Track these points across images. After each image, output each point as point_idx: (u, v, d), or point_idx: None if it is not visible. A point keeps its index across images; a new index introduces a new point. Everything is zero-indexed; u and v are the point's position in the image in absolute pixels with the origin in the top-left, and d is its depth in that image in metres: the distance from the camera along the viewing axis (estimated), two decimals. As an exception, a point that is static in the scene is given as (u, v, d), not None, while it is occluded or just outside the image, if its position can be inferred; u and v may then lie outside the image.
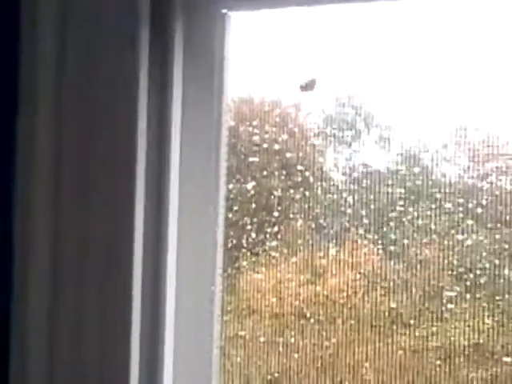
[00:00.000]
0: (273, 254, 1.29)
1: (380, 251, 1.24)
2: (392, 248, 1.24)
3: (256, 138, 1.29)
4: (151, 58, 1.20)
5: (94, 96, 1.19)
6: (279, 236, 1.29)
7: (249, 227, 1.29)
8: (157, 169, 1.21)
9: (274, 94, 1.30)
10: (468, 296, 1.19)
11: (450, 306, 1.19)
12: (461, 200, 1.19)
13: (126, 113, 1.18)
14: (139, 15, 1.18)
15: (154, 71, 1.20)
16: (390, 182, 1.23)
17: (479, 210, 1.18)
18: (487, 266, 1.18)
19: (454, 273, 1.20)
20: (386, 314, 1.23)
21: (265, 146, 1.29)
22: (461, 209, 1.19)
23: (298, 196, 1.27)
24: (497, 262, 1.17)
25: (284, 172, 1.29)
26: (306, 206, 1.27)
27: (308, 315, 1.26)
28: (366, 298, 1.25)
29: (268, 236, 1.29)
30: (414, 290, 1.22)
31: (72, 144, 1.20)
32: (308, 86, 1.25)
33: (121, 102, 1.17)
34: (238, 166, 1.29)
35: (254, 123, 1.29)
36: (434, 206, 1.20)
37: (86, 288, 1.18)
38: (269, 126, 1.29)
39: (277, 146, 1.29)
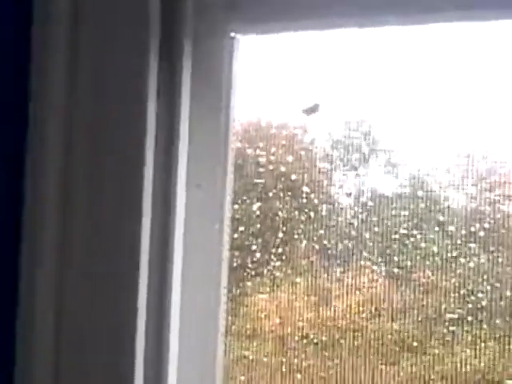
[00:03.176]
0: (277, 275, 1.30)
1: (384, 274, 1.25)
2: (396, 271, 1.24)
3: (262, 160, 1.30)
4: (159, 79, 1.21)
5: (103, 119, 1.21)
6: (284, 257, 1.30)
7: (253, 248, 1.30)
8: (163, 188, 1.22)
9: (281, 116, 1.32)
10: (470, 318, 1.19)
11: (451, 328, 1.20)
12: (465, 224, 1.20)
13: (134, 134, 1.19)
14: (149, 36, 1.20)
15: (163, 93, 1.22)
16: (395, 206, 1.24)
17: (482, 234, 1.19)
18: (488, 288, 1.19)
19: (457, 296, 1.20)
20: (390, 336, 1.23)
21: (270, 167, 1.30)
22: (464, 232, 1.20)
23: (303, 218, 1.29)
24: (498, 285, 1.18)
25: (289, 194, 1.30)
26: (311, 227, 1.28)
27: (311, 337, 1.27)
28: (369, 321, 1.25)
29: (273, 257, 1.30)
30: (417, 312, 1.22)
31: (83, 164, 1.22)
32: (311, 111, 1.27)
33: (129, 126, 1.19)
34: (244, 187, 1.30)
35: (260, 145, 1.31)
36: (438, 230, 1.21)
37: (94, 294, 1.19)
38: (275, 148, 1.31)
39: (283, 168, 1.30)
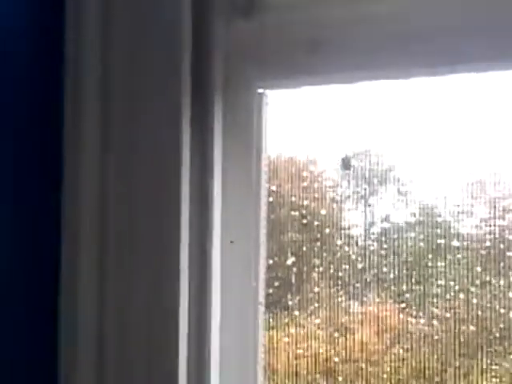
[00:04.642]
0: (294, 312, 1.30)
1: (401, 306, 1.26)
2: (412, 302, 1.25)
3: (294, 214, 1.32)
4: (192, 135, 1.22)
5: (138, 181, 1.21)
6: (299, 293, 1.30)
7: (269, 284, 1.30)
8: (199, 246, 1.22)
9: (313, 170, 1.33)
10: (487, 348, 1.19)
11: (468, 358, 1.20)
12: (480, 252, 1.20)
13: (169, 190, 1.20)
14: (181, 94, 1.21)
15: (195, 151, 1.23)
16: (408, 236, 1.25)
17: (498, 263, 1.19)
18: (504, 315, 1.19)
19: (475, 327, 1.20)
20: (409, 369, 1.24)
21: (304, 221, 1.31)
22: (479, 261, 1.21)
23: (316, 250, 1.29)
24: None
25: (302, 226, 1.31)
26: (326, 261, 1.29)
27: (332, 371, 1.27)
28: (388, 354, 1.26)
29: (288, 293, 1.30)
30: (433, 342, 1.22)
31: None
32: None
33: (164, 183, 1.20)
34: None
35: (293, 199, 1.32)
36: (453, 259, 1.22)
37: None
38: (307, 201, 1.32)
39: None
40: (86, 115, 1.23)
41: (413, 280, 1.25)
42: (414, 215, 1.27)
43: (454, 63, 1.17)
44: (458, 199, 1.23)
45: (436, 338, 1.23)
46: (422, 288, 1.24)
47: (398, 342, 1.26)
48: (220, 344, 1.24)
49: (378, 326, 1.27)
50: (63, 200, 1.23)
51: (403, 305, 1.26)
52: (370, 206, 1.30)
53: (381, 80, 1.24)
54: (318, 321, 1.30)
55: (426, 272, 1.24)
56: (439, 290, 1.23)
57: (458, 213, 1.23)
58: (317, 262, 1.30)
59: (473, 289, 1.21)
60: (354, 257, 1.28)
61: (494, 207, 1.22)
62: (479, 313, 1.21)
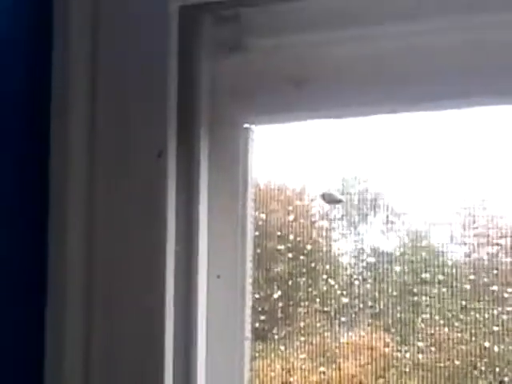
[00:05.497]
0: (282, 340, 1.30)
1: (391, 334, 1.26)
2: (403, 330, 1.25)
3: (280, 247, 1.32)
4: (178, 171, 1.22)
5: (122, 214, 1.22)
6: (287, 322, 1.30)
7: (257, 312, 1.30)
8: (185, 273, 1.23)
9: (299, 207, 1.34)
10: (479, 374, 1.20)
11: None
12: (470, 278, 1.21)
13: (154, 227, 1.20)
14: (166, 131, 1.21)
15: (181, 184, 1.23)
16: (397, 264, 1.26)
17: (483, 287, 1.20)
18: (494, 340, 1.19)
19: (467, 353, 1.21)
20: None
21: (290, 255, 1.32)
22: (469, 287, 1.21)
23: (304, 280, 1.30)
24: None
25: (290, 255, 1.31)
26: (314, 290, 1.29)
27: None
28: (376, 381, 1.25)
29: (277, 322, 1.30)
30: (424, 370, 1.23)
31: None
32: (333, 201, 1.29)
33: (150, 219, 1.20)
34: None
35: (278, 233, 1.32)
36: (442, 286, 1.23)
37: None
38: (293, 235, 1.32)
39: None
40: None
41: (399, 312, 1.25)
42: (403, 246, 1.27)
43: (436, 100, 1.18)
44: (447, 227, 1.23)
45: (421, 371, 1.23)
46: (410, 314, 1.25)
47: (384, 376, 1.27)
48: (206, 379, 1.24)
49: (365, 358, 1.28)
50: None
51: (392, 331, 1.26)
52: (358, 235, 1.31)
53: (367, 116, 1.25)
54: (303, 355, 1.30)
55: (414, 298, 1.24)
56: (428, 316, 1.24)
57: (447, 240, 1.23)
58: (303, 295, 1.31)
59: (462, 314, 1.22)
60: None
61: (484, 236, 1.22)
62: (470, 338, 1.21)
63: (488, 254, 1.21)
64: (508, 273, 1.20)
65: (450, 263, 1.24)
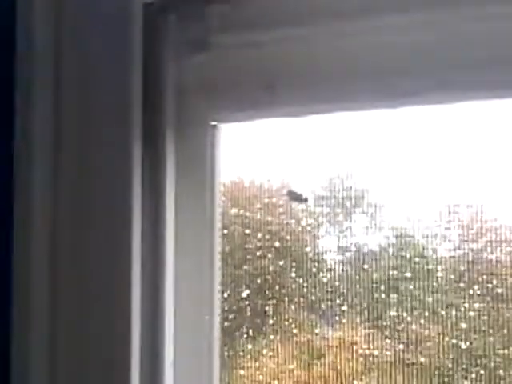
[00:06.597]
0: (269, 336, 1.29)
1: (376, 329, 1.25)
2: (387, 326, 1.24)
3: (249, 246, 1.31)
4: (144, 170, 1.22)
5: (88, 210, 1.21)
6: (274, 318, 1.29)
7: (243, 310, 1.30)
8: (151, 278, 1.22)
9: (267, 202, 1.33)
10: (466, 371, 1.20)
11: (446, 380, 1.20)
12: (453, 275, 1.20)
13: (119, 225, 1.20)
14: (132, 130, 1.20)
15: (147, 184, 1.22)
16: (382, 260, 1.25)
17: (468, 283, 1.19)
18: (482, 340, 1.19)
19: (450, 349, 1.20)
20: None
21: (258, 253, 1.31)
22: (454, 284, 1.21)
23: (290, 276, 1.29)
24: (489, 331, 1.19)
25: (275, 253, 1.31)
26: (299, 286, 1.29)
27: None
28: (364, 379, 1.25)
29: (263, 318, 1.30)
30: (411, 368, 1.22)
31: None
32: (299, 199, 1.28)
33: (115, 218, 1.20)
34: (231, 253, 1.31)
35: (246, 231, 1.32)
36: (427, 282, 1.22)
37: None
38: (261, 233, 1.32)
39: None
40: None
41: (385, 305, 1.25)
42: (388, 239, 1.27)
43: (401, 98, 1.18)
44: (431, 223, 1.23)
45: (412, 360, 1.23)
46: (395, 311, 1.24)
47: (364, 373, 1.26)
48: (174, 381, 1.24)
49: (349, 355, 1.27)
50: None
51: (376, 326, 1.25)
52: (341, 231, 1.30)
53: (331, 113, 1.24)
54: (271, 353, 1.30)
55: (399, 295, 1.24)
56: (413, 312, 1.23)
57: (431, 237, 1.23)
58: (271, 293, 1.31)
59: (447, 310, 1.22)
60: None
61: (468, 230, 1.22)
62: (454, 334, 1.21)
63: (472, 250, 1.21)
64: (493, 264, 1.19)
65: (434, 259, 1.23)
